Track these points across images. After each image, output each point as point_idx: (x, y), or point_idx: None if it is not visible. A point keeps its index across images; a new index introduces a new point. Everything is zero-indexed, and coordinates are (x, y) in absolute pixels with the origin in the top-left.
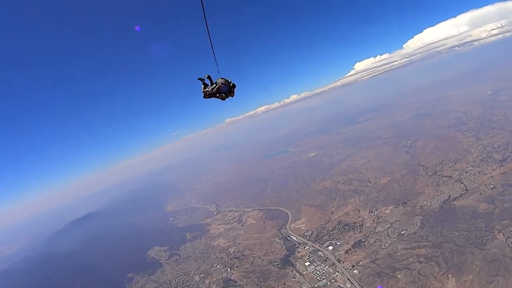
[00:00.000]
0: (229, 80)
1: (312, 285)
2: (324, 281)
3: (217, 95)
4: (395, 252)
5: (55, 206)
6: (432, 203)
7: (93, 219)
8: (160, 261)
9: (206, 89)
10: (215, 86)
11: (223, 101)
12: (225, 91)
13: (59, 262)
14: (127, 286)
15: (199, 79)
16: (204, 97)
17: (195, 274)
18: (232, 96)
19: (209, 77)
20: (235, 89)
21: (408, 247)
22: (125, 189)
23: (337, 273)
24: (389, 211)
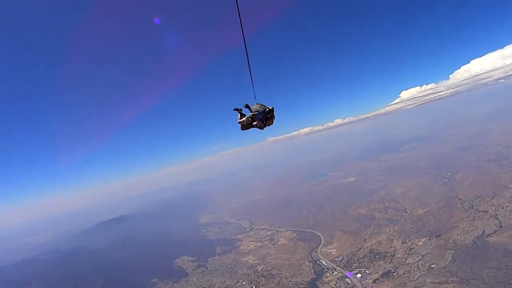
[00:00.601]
0: (265, 106)
1: None
2: None
3: (254, 123)
4: (423, 286)
5: (90, 204)
6: (465, 238)
7: (124, 222)
8: (187, 270)
9: (242, 120)
10: (250, 115)
11: (261, 130)
12: (261, 118)
13: (84, 258)
14: None
15: (235, 109)
16: (241, 128)
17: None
18: (271, 125)
19: (247, 106)
20: (274, 113)
21: (437, 281)
22: (162, 196)
23: None
24: (421, 243)
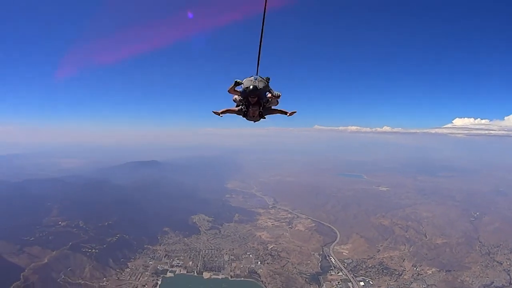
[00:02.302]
0: (258, 82)
1: None
2: None
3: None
4: None
5: (128, 143)
6: (473, 282)
7: (155, 167)
8: (200, 228)
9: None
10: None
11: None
12: (242, 97)
13: (106, 191)
14: (158, 237)
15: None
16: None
17: (226, 253)
18: (257, 115)
19: (238, 83)
20: (272, 99)
21: None
22: (198, 152)
23: None
24: (431, 272)
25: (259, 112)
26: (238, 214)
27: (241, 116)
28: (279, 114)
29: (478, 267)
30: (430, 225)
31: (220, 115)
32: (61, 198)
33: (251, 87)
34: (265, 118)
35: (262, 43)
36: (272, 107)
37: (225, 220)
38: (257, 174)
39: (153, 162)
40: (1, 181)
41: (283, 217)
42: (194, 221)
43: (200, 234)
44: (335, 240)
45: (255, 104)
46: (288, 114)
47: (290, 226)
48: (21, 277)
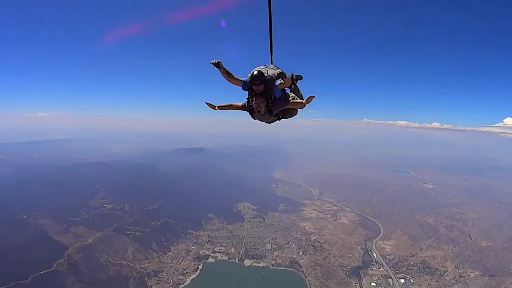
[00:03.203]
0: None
1: None
2: None
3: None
4: None
5: (176, 130)
6: None
7: (202, 154)
8: (244, 216)
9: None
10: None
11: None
12: (247, 89)
13: (153, 176)
14: (202, 223)
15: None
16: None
17: (269, 242)
18: (275, 116)
19: (216, 64)
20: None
21: None
22: (246, 141)
23: None
24: (473, 276)
25: (268, 107)
26: (283, 204)
27: (248, 112)
28: (294, 107)
29: None
30: (475, 226)
31: (216, 108)
32: (108, 181)
33: (255, 72)
34: (280, 117)
35: (272, 24)
36: (290, 100)
37: (269, 209)
38: (304, 165)
39: (199, 149)
40: (50, 164)
41: (328, 209)
42: (239, 208)
43: (244, 222)
44: (378, 235)
45: (260, 95)
46: (305, 102)
47: (334, 219)
48: (65, 255)
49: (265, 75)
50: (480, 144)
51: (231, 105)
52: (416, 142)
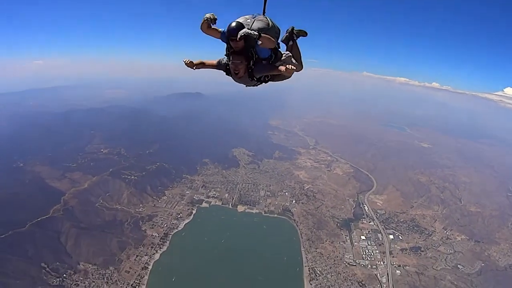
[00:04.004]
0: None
1: (354, 259)
2: (366, 261)
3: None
4: (441, 280)
5: (173, 75)
6: (499, 259)
7: (199, 99)
8: (239, 162)
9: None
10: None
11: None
12: (226, 41)
13: (150, 120)
14: (197, 167)
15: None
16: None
17: (262, 189)
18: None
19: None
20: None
21: (455, 283)
22: (244, 88)
23: (382, 263)
24: (460, 239)
25: (248, 69)
26: (279, 152)
27: (224, 72)
28: (276, 74)
29: (507, 244)
30: (466, 190)
31: (194, 68)
32: (104, 127)
33: (233, 23)
34: (266, 81)
35: None
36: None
37: (265, 156)
38: (301, 114)
39: (197, 94)
40: (45, 112)
41: (323, 159)
42: (235, 154)
43: (239, 168)
44: (371, 189)
45: (239, 54)
46: (284, 72)
47: (329, 169)
48: (61, 200)
49: (247, 28)
50: (478, 109)
51: (203, 63)
52: (414, 100)
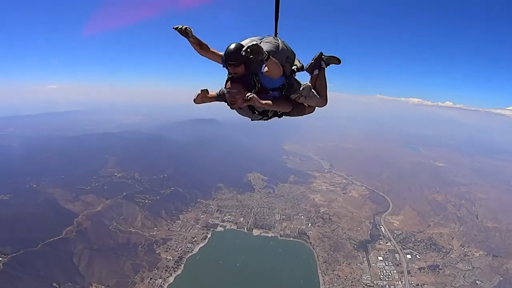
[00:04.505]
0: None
1: (372, 280)
2: (384, 282)
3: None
4: None
5: (187, 102)
6: None
7: (214, 125)
8: (254, 186)
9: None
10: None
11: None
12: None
13: (164, 146)
14: (212, 192)
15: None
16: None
17: (278, 213)
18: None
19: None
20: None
21: None
22: None
23: (400, 283)
24: (478, 255)
25: (248, 98)
26: (294, 176)
27: (226, 103)
28: (297, 110)
29: None
30: (483, 207)
31: (201, 101)
32: (118, 151)
33: (232, 45)
34: (268, 116)
35: None
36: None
37: (280, 180)
38: (315, 138)
39: (212, 120)
40: (59, 136)
41: (338, 182)
42: (249, 179)
43: (254, 192)
44: (387, 210)
45: (237, 82)
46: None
47: (344, 192)
48: (75, 222)
49: (243, 51)
50: (492, 125)
51: (204, 95)
52: (428, 120)
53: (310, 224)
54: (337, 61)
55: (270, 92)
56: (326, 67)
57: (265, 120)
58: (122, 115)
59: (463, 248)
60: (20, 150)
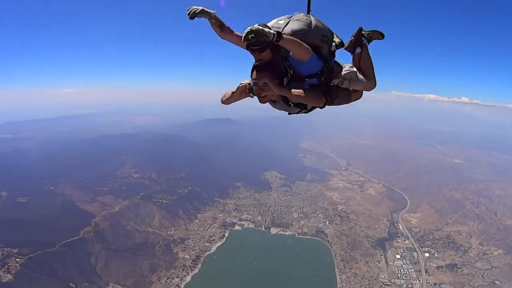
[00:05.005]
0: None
1: (390, 279)
2: (402, 281)
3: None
4: None
5: (204, 101)
6: None
7: (230, 124)
8: (271, 185)
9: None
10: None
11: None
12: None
13: (180, 146)
14: (230, 191)
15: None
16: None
17: (295, 211)
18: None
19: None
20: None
21: None
22: (274, 112)
23: (417, 281)
24: (497, 254)
25: (281, 84)
26: (311, 174)
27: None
28: (346, 95)
29: None
30: (501, 204)
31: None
32: (135, 152)
33: (248, 28)
34: (306, 109)
35: None
36: (335, 85)
37: (297, 178)
38: (332, 136)
39: (227, 119)
40: (75, 138)
41: (355, 179)
42: (266, 177)
43: (271, 191)
44: (405, 207)
45: (264, 70)
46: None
47: (362, 189)
48: (92, 223)
49: (273, 32)
50: (509, 121)
51: (232, 93)
52: (444, 116)
53: (327, 222)
54: (380, 35)
55: (307, 79)
56: (369, 43)
57: (304, 113)
58: (137, 116)
59: (481, 247)
60: (38, 153)
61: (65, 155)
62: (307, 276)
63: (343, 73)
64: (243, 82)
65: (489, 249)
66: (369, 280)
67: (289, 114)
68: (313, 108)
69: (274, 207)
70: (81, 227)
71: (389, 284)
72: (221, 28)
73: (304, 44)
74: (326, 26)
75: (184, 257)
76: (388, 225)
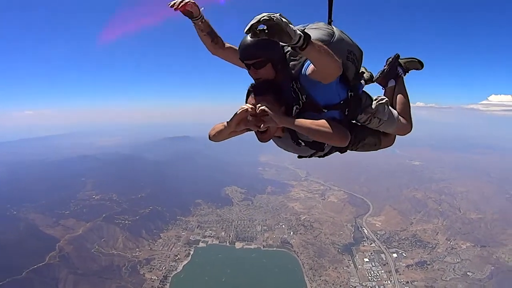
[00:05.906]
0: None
1: (361, 282)
2: (373, 283)
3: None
4: None
5: (160, 120)
6: (510, 259)
7: (187, 142)
8: (233, 200)
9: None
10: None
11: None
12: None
13: (140, 166)
14: (191, 208)
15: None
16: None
17: (259, 224)
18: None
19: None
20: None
21: None
22: None
23: (389, 282)
24: (465, 247)
25: (289, 114)
26: (271, 186)
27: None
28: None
29: None
30: (464, 200)
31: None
32: (96, 174)
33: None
34: (322, 151)
35: None
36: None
37: (257, 191)
38: None
39: (184, 137)
40: (38, 161)
41: (316, 189)
42: (227, 192)
43: (232, 206)
44: (368, 211)
45: (263, 93)
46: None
47: (323, 198)
48: (57, 247)
49: (299, 33)
50: (466, 121)
51: (227, 123)
52: None
53: (292, 233)
54: (419, 65)
55: (325, 110)
56: (405, 75)
57: (319, 156)
58: (98, 137)
59: (449, 242)
60: (1, 177)
61: (28, 178)
62: (277, 287)
63: (373, 106)
64: (244, 107)
65: (456, 243)
66: (340, 286)
67: (299, 157)
68: (332, 150)
69: (237, 222)
70: (46, 252)
71: (361, 287)
72: (212, 38)
73: (336, 57)
74: (354, 41)
75: (151, 278)
76: (353, 230)
